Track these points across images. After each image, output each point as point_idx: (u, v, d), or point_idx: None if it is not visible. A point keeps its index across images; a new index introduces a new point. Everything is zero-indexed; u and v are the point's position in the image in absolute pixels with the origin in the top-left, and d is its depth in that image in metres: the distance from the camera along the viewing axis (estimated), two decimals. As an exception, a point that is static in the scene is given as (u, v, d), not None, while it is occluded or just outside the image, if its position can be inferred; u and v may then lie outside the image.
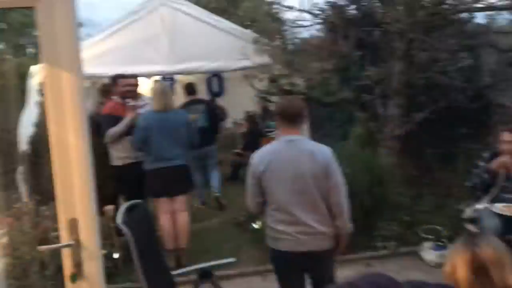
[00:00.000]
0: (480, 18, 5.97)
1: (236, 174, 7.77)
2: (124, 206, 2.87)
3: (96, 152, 1.92)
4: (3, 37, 11.35)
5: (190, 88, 6.72)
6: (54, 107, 1.73)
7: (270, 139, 7.75)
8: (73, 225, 1.78)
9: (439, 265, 4.33)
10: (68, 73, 1.69)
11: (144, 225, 2.94)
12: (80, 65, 1.75)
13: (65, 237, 1.80)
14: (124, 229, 2.58)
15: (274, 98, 6.78)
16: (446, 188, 5.55)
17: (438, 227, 4.71)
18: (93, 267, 1.84)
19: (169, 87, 6.17)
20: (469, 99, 5.67)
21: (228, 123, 11.24)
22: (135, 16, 6.64)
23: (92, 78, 5.86)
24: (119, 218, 2.66)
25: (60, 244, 1.81)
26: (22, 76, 6.57)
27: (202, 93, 12.25)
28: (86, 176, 1.80)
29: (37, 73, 6.34)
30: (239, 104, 11.61)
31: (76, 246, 1.80)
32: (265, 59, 6.22)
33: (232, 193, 6.72)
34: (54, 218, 3.77)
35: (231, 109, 11.94)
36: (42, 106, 5.64)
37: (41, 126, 5.51)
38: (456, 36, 5.21)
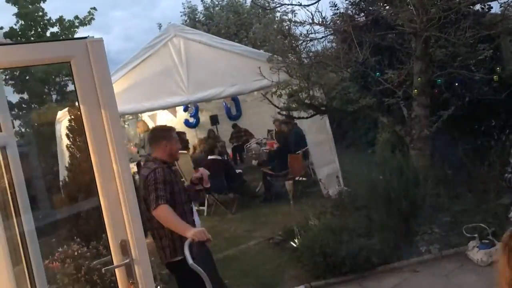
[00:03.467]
0: (494, 7, 5.88)
1: (270, 194, 7.72)
2: (186, 244, 2.78)
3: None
4: (28, 87, 11.74)
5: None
6: (96, 141, 1.88)
7: (297, 156, 7.73)
8: (124, 246, 1.89)
9: (488, 264, 4.18)
10: (106, 111, 1.89)
11: (207, 259, 2.93)
12: (116, 107, 1.94)
13: (117, 259, 1.89)
14: (198, 268, 2.54)
15: (295, 113, 6.79)
16: (483, 183, 5.39)
17: (481, 225, 4.55)
18: (148, 284, 1.92)
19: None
20: (494, 90, 5.55)
21: (252, 144, 11.30)
22: (150, 50, 6.81)
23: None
24: (189, 259, 2.61)
25: (120, 263, 1.89)
26: (50, 123, 6.77)
27: (222, 118, 12.49)
28: (131, 199, 1.91)
29: (64, 118, 6.53)
30: (256, 124, 11.74)
31: (131, 265, 1.90)
32: (281, 76, 6.25)
33: (266, 212, 6.69)
34: (95, 258, 3.84)
35: (250, 130, 12.09)
36: (71, 149, 5.78)
37: (73, 169, 5.63)
38: (472, 28, 5.13)
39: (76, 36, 12.69)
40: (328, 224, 4.76)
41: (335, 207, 5.77)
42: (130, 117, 10.70)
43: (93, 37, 1.90)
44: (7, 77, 11.41)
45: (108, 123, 1.89)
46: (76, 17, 12.86)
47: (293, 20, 6.12)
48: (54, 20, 12.64)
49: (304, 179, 7.93)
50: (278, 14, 14.13)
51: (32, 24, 12.19)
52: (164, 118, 11.72)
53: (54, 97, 12.43)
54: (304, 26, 5.91)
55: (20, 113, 11.81)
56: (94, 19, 12.98)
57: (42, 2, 12.37)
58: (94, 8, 12.98)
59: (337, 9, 6.33)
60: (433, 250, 4.55)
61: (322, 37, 6.21)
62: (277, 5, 6.43)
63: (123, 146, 1.96)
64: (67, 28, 12.70)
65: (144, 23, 47.41)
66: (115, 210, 1.89)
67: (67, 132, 5.89)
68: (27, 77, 11.86)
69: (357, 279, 4.32)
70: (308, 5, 5.82)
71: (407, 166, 4.87)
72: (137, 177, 5.98)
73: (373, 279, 4.31)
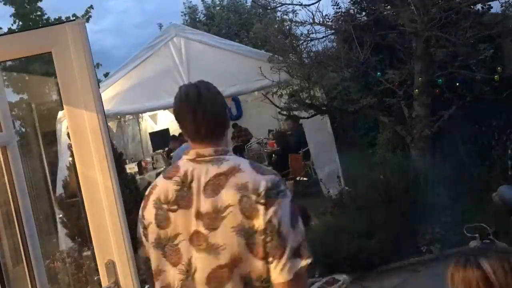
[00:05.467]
0: (495, 6, 5.88)
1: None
2: None
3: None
4: (27, 86, 11.73)
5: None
6: (79, 147, 1.74)
7: (298, 156, 7.72)
8: (110, 267, 1.76)
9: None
10: (89, 112, 1.71)
11: None
12: (100, 102, 1.75)
13: (104, 280, 1.77)
14: None
15: (296, 113, 6.78)
16: (484, 183, 5.39)
17: (482, 225, 4.55)
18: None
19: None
20: (495, 90, 5.55)
21: (253, 144, 11.31)
22: (151, 50, 6.81)
23: (117, 115, 6.00)
24: None
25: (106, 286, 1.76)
26: (52, 122, 6.77)
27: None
28: (118, 215, 1.75)
29: (65, 118, 6.54)
30: (257, 124, 11.72)
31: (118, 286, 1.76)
32: (282, 76, 6.25)
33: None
34: (95, 259, 3.84)
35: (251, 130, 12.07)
36: (72, 149, 5.79)
37: (73, 169, 5.64)
38: (473, 28, 5.13)
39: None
40: (328, 224, 4.77)
41: (335, 207, 5.77)
42: (131, 117, 10.69)
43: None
44: (5, 77, 11.41)
45: (90, 122, 1.70)
46: (74, 15, 12.92)
47: (294, 20, 6.11)
48: (53, 20, 12.67)
49: (304, 179, 7.92)
50: (279, 14, 14.10)
51: (31, 24, 12.19)
52: (165, 118, 11.71)
53: (54, 97, 12.42)
54: (305, 26, 5.91)
55: (21, 113, 11.80)
56: (91, 17, 13.09)
57: (39, 1, 12.41)
58: (91, 7, 13.09)
59: (339, 8, 6.34)
60: (434, 250, 4.55)
61: (323, 37, 6.20)
62: (278, 5, 6.43)
63: (109, 152, 1.73)
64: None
65: (136, 17, 47.22)
66: (99, 226, 1.73)
67: (68, 131, 5.89)
68: (27, 78, 11.87)
69: (357, 279, 4.32)
70: (309, 5, 5.82)
71: (408, 166, 4.88)
72: (138, 176, 5.99)
73: (374, 279, 4.30)
